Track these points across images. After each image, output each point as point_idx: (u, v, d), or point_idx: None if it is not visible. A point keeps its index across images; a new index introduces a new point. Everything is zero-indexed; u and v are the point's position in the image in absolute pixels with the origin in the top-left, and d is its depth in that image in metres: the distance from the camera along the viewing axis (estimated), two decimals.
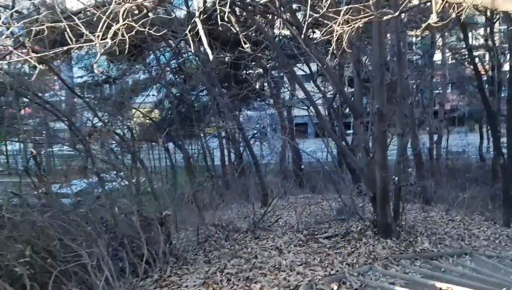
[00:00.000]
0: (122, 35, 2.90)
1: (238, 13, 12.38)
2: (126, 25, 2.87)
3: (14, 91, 7.13)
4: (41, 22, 2.91)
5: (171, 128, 14.89)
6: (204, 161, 15.90)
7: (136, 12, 3.35)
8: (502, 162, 13.24)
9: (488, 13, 14.69)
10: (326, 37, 3.89)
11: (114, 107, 13.44)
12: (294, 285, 4.93)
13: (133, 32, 2.84)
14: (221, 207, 11.06)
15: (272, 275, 5.30)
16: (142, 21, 2.91)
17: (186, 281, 5.14)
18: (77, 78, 17.91)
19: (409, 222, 8.35)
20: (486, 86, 16.38)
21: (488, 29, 15.80)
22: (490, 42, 16.03)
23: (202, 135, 15.93)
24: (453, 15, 3.47)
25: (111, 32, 2.73)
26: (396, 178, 7.67)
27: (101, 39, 2.80)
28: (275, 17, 12.50)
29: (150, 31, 2.96)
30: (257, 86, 15.00)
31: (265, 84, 16.71)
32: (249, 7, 10.57)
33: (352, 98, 9.00)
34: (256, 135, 18.23)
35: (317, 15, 3.62)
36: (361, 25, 3.64)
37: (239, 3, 9.81)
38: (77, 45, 2.69)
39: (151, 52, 14.73)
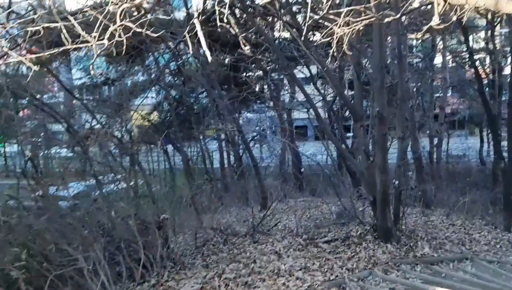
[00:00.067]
0: (120, 36, 2.85)
1: (238, 15, 12.34)
2: (123, 26, 2.82)
3: (11, 92, 7.06)
4: (37, 23, 2.86)
5: (170, 130, 14.82)
6: (203, 164, 15.83)
7: (135, 13, 3.29)
8: (502, 166, 13.17)
9: (489, 16, 14.66)
10: (327, 39, 3.84)
11: (112, 109, 13.38)
12: None
13: (131, 33, 2.78)
14: (220, 210, 10.98)
15: (271, 280, 5.24)
16: (140, 22, 2.85)
17: (184, 286, 5.08)
18: (76, 79, 17.86)
19: (410, 226, 8.28)
20: (487, 89, 16.34)
21: (489, 32, 15.75)
22: (491, 46, 15.98)
23: (201, 137, 15.85)
24: (454, 18, 3.41)
25: (108, 33, 2.67)
26: (397, 182, 7.61)
27: (98, 40, 2.75)
28: (275, 19, 12.46)
29: (147, 32, 2.90)
30: (257, 89, 14.98)
31: (265, 86, 16.67)
32: (249, 9, 10.54)
33: (352, 101, 8.95)
34: (255, 138, 18.17)
35: (318, 17, 3.57)
36: (361, 28, 3.58)
37: (239, 4, 9.77)
38: (73, 46, 2.64)
39: (150, 53, 14.68)
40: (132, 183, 9.06)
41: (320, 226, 8.29)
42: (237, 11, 11.48)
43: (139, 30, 2.75)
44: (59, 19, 2.52)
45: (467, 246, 7.84)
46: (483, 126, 21.20)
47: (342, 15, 3.40)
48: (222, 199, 12.74)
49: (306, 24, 4.32)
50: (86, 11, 3.10)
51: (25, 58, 2.62)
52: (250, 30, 9.09)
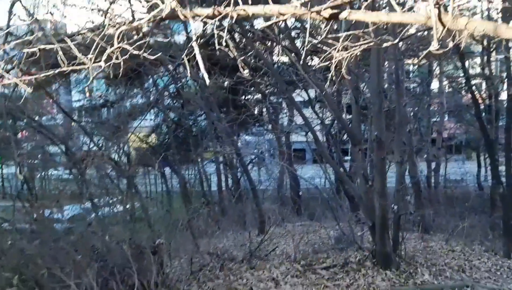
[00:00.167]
0: (117, 59, 2.83)
1: (238, 39, 12.48)
2: (121, 48, 2.80)
3: (8, 114, 7.03)
4: (33, 45, 2.84)
5: (167, 152, 14.77)
6: (200, 187, 15.71)
7: (135, 37, 3.29)
8: (501, 191, 13.10)
9: (485, 42, 14.85)
10: (325, 63, 3.84)
11: (110, 132, 13.36)
12: None
13: (128, 56, 2.76)
14: (217, 234, 10.83)
15: None
16: (138, 44, 2.84)
17: None
18: (75, 101, 17.92)
19: (409, 252, 8.16)
20: (484, 114, 16.41)
21: (485, 58, 15.93)
22: (487, 71, 16.14)
23: (199, 160, 15.79)
24: (451, 45, 3.42)
25: (105, 55, 2.65)
26: (396, 207, 7.54)
27: (95, 62, 2.73)
28: (274, 44, 12.59)
29: (145, 55, 2.89)
30: (255, 112, 15.01)
31: (264, 109, 16.72)
32: (248, 33, 10.66)
33: (350, 125, 8.96)
34: (254, 161, 18.10)
35: (316, 41, 3.58)
36: (359, 52, 3.59)
37: (238, 29, 9.88)
38: (69, 68, 2.61)
39: (149, 76, 14.76)
40: (128, 206, 8.95)
41: (318, 251, 8.16)
42: (236, 35, 11.61)
43: (136, 52, 2.74)
44: (55, 40, 2.51)
45: (467, 273, 7.71)
46: (480, 151, 21.21)
47: (340, 40, 3.41)
48: (219, 223, 12.59)
49: (305, 49, 4.33)
50: (84, 33, 3.09)
51: (20, 80, 2.59)
52: (249, 54, 9.15)
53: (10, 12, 4.31)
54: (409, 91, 16.23)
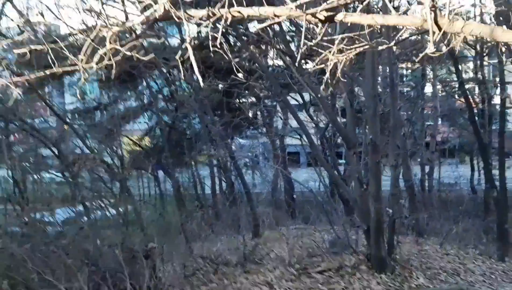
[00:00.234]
0: (109, 60, 2.78)
1: (232, 43, 12.44)
2: (113, 49, 2.76)
3: (0, 116, 6.95)
4: (23, 45, 2.79)
5: (161, 155, 14.69)
6: (194, 190, 15.63)
7: (129, 38, 3.24)
8: (495, 195, 13.16)
9: (478, 47, 14.95)
10: (320, 66, 3.81)
11: (103, 134, 13.26)
12: None
13: (120, 57, 2.72)
14: (211, 238, 10.76)
15: None
16: (130, 45, 2.80)
17: None
18: (68, 104, 17.79)
19: (404, 256, 8.14)
20: (477, 118, 16.49)
21: (478, 62, 16.04)
22: (480, 76, 16.25)
23: (193, 163, 15.72)
24: (445, 49, 3.41)
25: (96, 56, 2.61)
26: (390, 211, 7.52)
27: (87, 64, 2.68)
28: (269, 47, 12.58)
29: (138, 56, 2.84)
30: (250, 115, 14.99)
31: (258, 112, 16.70)
32: (243, 36, 10.64)
33: (345, 128, 8.94)
34: (248, 164, 18.05)
35: (311, 44, 3.55)
36: (354, 56, 3.56)
37: (233, 32, 9.85)
38: (60, 69, 2.57)
39: (143, 79, 14.69)
40: (121, 210, 8.87)
41: (313, 255, 8.11)
42: (231, 38, 11.57)
43: (129, 53, 2.69)
44: (44, 41, 2.46)
45: (462, 277, 7.71)
46: (474, 155, 21.31)
47: (336, 42, 3.38)
48: (213, 227, 12.51)
49: (300, 52, 4.31)
50: (76, 34, 3.04)
51: (10, 82, 2.54)
52: (244, 57, 9.14)
53: (1, 13, 4.25)
54: (403, 95, 16.29)
